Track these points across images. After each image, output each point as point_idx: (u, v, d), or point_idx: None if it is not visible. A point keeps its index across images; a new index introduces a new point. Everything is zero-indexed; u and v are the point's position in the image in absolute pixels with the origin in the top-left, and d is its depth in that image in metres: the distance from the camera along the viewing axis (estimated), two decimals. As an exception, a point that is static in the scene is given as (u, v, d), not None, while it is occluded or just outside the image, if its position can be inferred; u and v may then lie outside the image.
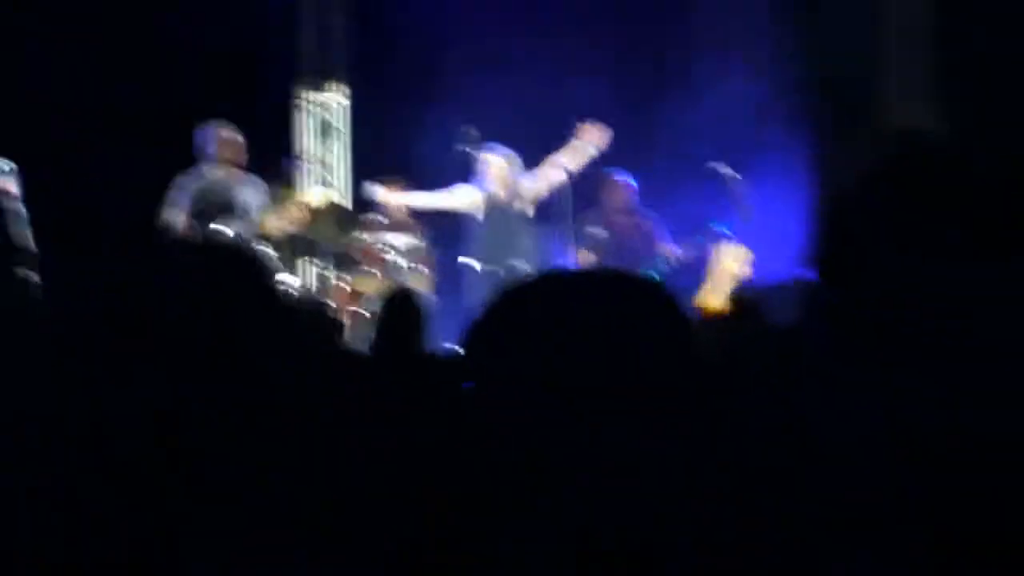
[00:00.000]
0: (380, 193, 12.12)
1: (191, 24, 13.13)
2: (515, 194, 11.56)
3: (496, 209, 11.60)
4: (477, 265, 11.63)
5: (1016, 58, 12.63)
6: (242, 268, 1.98)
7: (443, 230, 12.43)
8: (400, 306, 7.08)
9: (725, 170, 11.69)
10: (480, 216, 11.64)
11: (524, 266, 11.53)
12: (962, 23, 13.75)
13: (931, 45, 14.67)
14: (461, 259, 11.72)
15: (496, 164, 11.61)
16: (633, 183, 12.16)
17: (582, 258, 11.98)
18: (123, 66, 12.70)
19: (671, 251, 11.92)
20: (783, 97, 13.35)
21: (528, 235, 11.66)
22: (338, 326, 7.82)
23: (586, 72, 13.65)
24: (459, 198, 11.76)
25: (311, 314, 7.72)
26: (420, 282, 12.20)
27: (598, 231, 12.06)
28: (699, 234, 11.80)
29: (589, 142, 11.31)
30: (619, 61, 13.84)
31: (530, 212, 11.64)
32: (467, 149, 11.82)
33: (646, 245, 12.00)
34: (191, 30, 13.12)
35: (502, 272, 11.44)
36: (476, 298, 11.53)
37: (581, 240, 12.02)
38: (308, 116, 14.64)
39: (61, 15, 12.78)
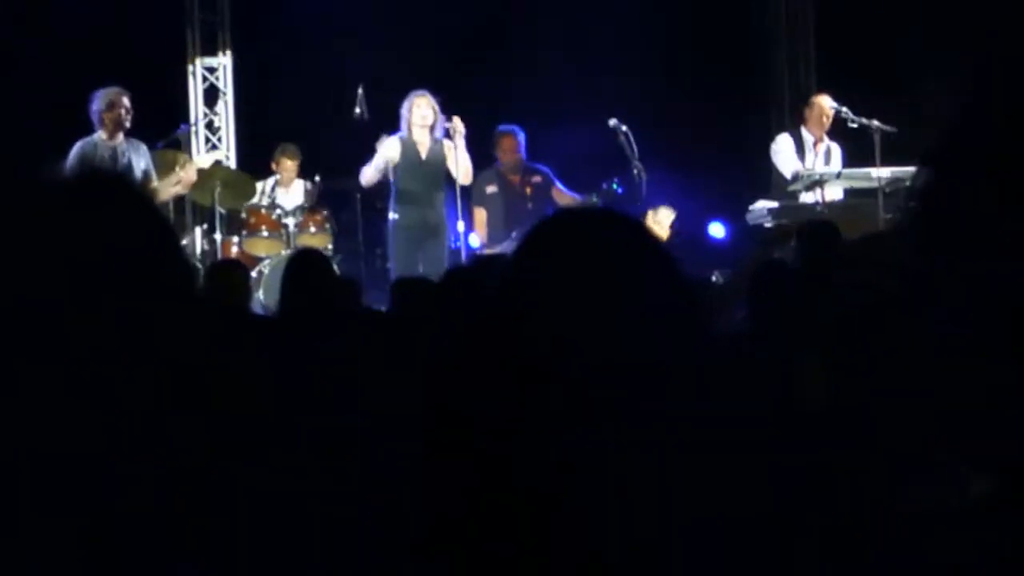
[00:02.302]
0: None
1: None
2: (431, 139, 11.45)
3: (411, 152, 11.46)
4: (395, 216, 11.52)
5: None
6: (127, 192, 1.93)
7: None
8: (307, 264, 6.99)
9: (620, 127, 11.70)
10: (397, 164, 11.47)
11: (437, 219, 11.46)
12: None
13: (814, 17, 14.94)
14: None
15: (405, 104, 11.50)
16: (521, 135, 12.08)
17: (478, 216, 11.96)
18: (16, 35, 12.56)
19: (571, 199, 11.89)
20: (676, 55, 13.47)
21: (439, 188, 11.55)
22: (247, 275, 7.79)
23: (473, 27, 13.69)
24: (384, 147, 11.53)
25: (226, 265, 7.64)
26: (313, 241, 12.13)
27: (492, 188, 12.02)
28: (594, 193, 11.81)
29: (460, 133, 11.35)
30: (509, 19, 13.86)
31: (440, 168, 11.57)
32: (359, 110, 11.77)
33: (542, 196, 11.96)
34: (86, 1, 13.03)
35: (419, 222, 11.39)
36: (396, 250, 11.44)
37: (478, 199, 11.99)
38: (195, 81, 14.52)
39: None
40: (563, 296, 1.97)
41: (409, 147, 11.47)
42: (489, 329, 2.02)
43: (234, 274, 7.76)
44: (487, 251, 11.61)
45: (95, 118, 11.12)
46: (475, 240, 11.88)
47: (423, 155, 11.50)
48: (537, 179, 12.06)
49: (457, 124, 11.34)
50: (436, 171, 11.49)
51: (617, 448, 1.89)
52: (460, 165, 11.35)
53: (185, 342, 1.85)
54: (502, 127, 12.13)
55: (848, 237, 7.04)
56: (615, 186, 11.61)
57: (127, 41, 12.94)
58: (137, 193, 1.97)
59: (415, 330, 5.21)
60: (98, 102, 11.12)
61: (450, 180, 11.53)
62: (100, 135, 11.12)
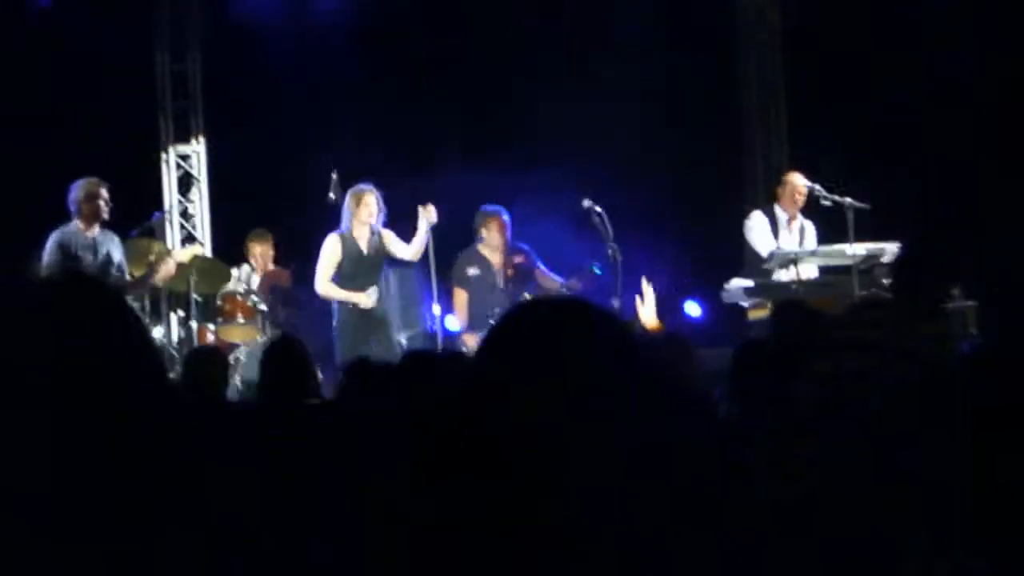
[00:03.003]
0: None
1: (58, 84, 13.08)
2: (370, 232, 11.45)
3: (353, 250, 11.49)
4: (338, 311, 11.53)
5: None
6: (100, 299, 1.94)
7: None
8: (284, 352, 6.96)
9: (595, 208, 11.71)
10: (339, 261, 11.50)
11: (381, 311, 11.48)
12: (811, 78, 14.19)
13: (785, 97, 15.05)
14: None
15: (352, 198, 11.51)
16: (506, 216, 11.99)
17: (459, 298, 11.91)
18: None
19: (553, 281, 11.81)
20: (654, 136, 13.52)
21: (379, 277, 11.60)
22: (226, 363, 7.78)
23: (447, 109, 13.75)
24: (329, 252, 11.57)
25: (203, 352, 7.62)
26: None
27: (474, 271, 11.97)
28: (575, 276, 11.74)
29: (427, 220, 11.38)
30: (482, 97, 13.92)
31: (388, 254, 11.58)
32: (333, 196, 11.77)
33: (524, 278, 11.88)
34: (59, 90, 13.07)
35: (363, 315, 11.39)
36: (342, 345, 11.38)
37: (459, 280, 11.93)
38: (169, 168, 14.54)
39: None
40: (529, 393, 1.97)
41: (350, 243, 11.48)
42: (454, 423, 2.02)
43: (212, 362, 7.75)
44: (467, 336, 11.57)
45: (73, 208, 11.11)
46: (453, 323, 11.84)
47: (364, 249, 11.51)
48: (519, 259, 11.91)
49: (430, 213, 11.36)
50: (378, 263, 11.53)
51: (587, 544, 1.89)
52: (413, 248, 11.41)
53: (157, 437, 1.85)
54: (487, 207, 12.00)
55: (824, 314, 7.07)
56: (595, 268, 11.58)
57: (100, 129, 12.99)
58: (111, 295, 1.98)
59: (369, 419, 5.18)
60: (76, 192, 11.13)
61: (424, 264, 11.55)
62: (77, 225, 11.11)
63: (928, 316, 6.16)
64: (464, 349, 11.05)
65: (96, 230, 11.17)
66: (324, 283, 11.54)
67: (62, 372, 1.80)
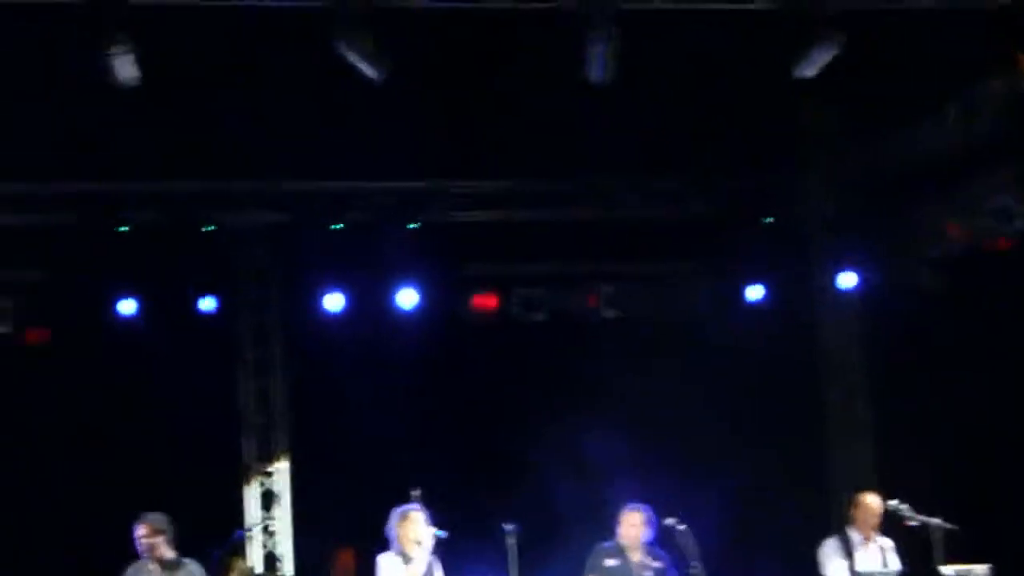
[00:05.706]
0: None
1: (142, 402, 13.33)
2: (422, 551, 11.08)
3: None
4: None
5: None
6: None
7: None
8: None
9: (679, 526, 11.52)
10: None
11: None
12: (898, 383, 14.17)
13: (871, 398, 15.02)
14: None
15: (397, 517, 11.20)
16: (650, 514, 11.61)
17: None
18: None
19: None
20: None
21: None
22: None
23: (532, 418, 13.79)
24: (387, 565, 11.23)
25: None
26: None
27: (613, 562, 11.58)
28: None
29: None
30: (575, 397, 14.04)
31: None
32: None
33: None
34: (142, 408, 13.32)
35: None
36: None
37: (594, 569, 11.56)
38: (252, 486, 14.60)
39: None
40: None
41: (400, 564, 11.14)
42: None
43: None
44: None
45: (138, 546, 11.17)
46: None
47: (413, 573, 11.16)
48: (658, 565, 11.61)
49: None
50: None
51: None
52: None
53: None
54: (632, 503, 11.68)
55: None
56: None
57: (183, 447, 13.17)
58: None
59: None
60: (137, 534, 11.15)
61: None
62: (147, 563, 11.10)
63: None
64: None
65: (169, 562, 11.11)
66: None
67: None
